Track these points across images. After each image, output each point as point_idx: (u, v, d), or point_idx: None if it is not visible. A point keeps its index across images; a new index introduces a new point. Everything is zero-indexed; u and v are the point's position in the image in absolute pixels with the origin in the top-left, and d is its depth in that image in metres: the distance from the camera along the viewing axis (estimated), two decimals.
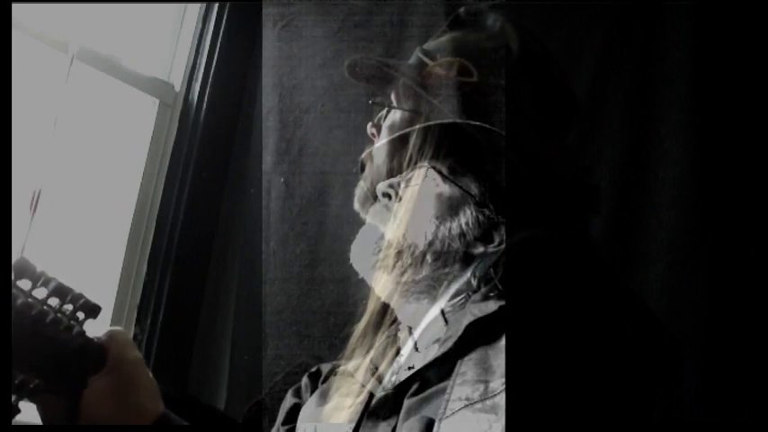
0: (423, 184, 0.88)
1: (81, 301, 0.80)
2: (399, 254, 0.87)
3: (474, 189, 0.86)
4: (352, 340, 0.91)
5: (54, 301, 0.79)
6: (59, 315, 0.79)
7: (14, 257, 0.78)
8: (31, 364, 0.77)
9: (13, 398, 0.75)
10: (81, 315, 0.81)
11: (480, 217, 0.85)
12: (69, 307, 0.80)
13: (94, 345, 0.82)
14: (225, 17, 1.84)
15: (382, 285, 0.89)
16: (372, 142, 0.98)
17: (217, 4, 1.85)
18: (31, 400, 0.79)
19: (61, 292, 0.79)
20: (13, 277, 0.77)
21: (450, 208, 0.86)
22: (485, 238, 0.85)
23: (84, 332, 0.81)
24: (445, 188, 0.87)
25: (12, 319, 0.75)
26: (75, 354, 0.79)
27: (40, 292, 0.79)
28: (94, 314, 0.82)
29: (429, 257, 0.86)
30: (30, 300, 0.77)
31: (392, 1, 1.69)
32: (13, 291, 0.76)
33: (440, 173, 0.87)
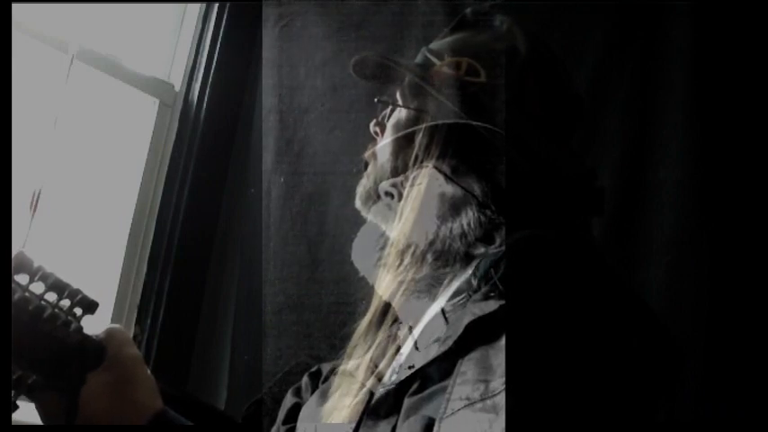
0: (426, 184, 0.87)
1: (79, 297, 0.80)
2: (401, 253, 0.87)
3: (477, 189, 0.85)
4: (354, 339, 0.91)
5: (51, 297, 0.79)
6: (57, 310, 0.79)
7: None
8: (28, 361, 0.76)
9: (11, 394, 0.75)
10: (79, 311, 0.81)
11: (482, 218, 0.85)
12: (67, 302, 0.80)
13: (92, 341, 0.82)
14: (225, 17, 1.84)
15: (384, 284, 0.89)
16: (375, 141, 0.98)
17: (217, 4, 1.85)
18: (29, 397, 0.79)
19: (59, 287, 0.79)
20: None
21: (452, 208, 0.86)
22: (486, 238, 0.85)
23: (81, 328, 0.81)
24: (448, 188, 0.87)
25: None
26: (74, 350, 0.79)
27: (38, 287, 0.78)
28: (92, 310, 0.81)
29: (430, 257, 0.86)
30: (27, 294, 0.77)
31: (392, 1, 1.69)
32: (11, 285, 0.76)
33: (443, 173, 0.87)
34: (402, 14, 1.65)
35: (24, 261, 0.77)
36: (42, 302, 0.78)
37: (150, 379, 0.86)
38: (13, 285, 0.76)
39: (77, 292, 0.80)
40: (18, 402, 0.76)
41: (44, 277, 0.78)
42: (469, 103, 0.88)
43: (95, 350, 0.81)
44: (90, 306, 0.81)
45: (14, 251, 0.78)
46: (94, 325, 0.84)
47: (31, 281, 0.78)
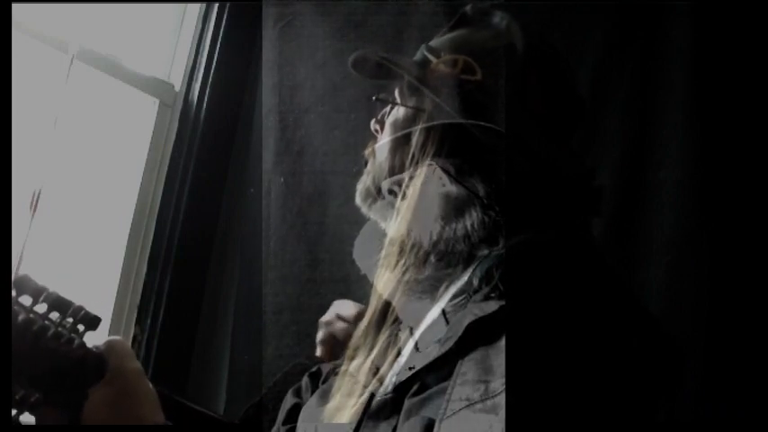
0: (428, 183, 0.87)
1: (81, 314, 0.81)
2: (402, 252, 0.86)
3: (481, 190, 0.84)
4: (354, 339, 0.91)
5: (54, 315, 0.80)
6: (60, 329, 0.79)
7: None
8: (31, 379, 0.77)
9: (14, 413, 0.75)
10: (81, 327, 0.82)
11: (486, 219, 0.84)
12: (70, 320, 0.80)
13: (94, 355, 0.82)
14: (225, 17, 1.85)
15: (385, 283, 0.88)
16: (375, 139, 0.98)
17: (217, 4, 1.85)
18: (32, 414, 0.79)
19: (61, 305, 0.80)
20: (14, 294, 0.77)
21: (455, 209, 0.85)
22: (489, 240, 0.84)
23: (84, 344, 0.82)
24: (452, 188, 0.86)
25: (13, 336, 0.75)
26: (75, 365, 0.80)
27: (41, 307, 0.79)
28: (94, 326, 0.82)
29: (433, 258, 0.85)
30: (31, 315, 0.78)
31: (392, 1, 1.69)
32: (15, 308, 0.77)
33: (447, 172, 0.86)
34: (402, 14, 1.65)
35: (27, 282, 0.78)
36: (46, 322, 0.79)
37: (152, 392, 0.85)
38: (16, 308, 0.77)
39: (80, 309, 0.81)
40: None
41: (47, 297, 0.79)
42: (465, 102, 0.87)
43: (96, 364, 0.82)
44: (92, 322, 0.82)
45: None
46: (94, 333, 0.84)
47: (35, 302, 0.79)
